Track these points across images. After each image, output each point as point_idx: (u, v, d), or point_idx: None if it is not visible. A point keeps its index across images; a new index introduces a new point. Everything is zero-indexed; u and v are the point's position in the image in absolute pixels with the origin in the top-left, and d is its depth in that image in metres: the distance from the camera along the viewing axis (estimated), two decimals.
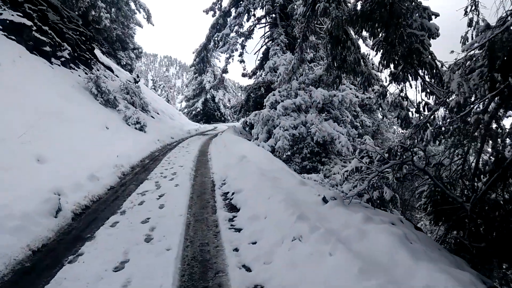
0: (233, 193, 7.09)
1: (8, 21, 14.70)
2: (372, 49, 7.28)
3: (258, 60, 27.62)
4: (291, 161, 14.49)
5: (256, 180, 6.87)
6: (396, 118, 7.12)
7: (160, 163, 12.39)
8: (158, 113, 27.32)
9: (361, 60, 9.40)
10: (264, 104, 16.15)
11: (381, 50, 7.02)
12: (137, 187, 8.71)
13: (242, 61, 25.59)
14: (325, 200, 5.20)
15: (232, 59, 24.73)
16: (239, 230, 5.13)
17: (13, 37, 14.66)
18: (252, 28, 25.51)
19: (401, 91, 7.08)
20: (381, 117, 25.73)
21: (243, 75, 27.58)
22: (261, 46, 26.88)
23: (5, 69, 12.20)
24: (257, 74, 28.88)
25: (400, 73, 6.79)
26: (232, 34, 24.47)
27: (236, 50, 24.40)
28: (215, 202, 6.97)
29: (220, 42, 24.88)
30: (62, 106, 13.52)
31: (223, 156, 12.29)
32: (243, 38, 25.11)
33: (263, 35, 26.61)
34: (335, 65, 9.85)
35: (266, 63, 23.52)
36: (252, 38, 25.78)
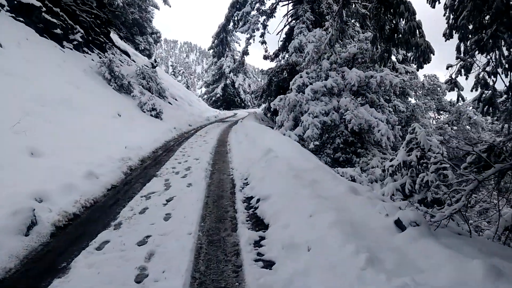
0: (258, 200, 5.50)
1: (16, 1, 13.45)
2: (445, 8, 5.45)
3: (281, 41, 25.64)
4: (321, 152, 12.77)
5: (288, 184, 5.25)
6: (476, 101, 5.33)
7: (174, 154, 10.94)
8: (176, 99, 25.95)
9: (417, 30, 7.57)
10: (290, 88, 14.39)
11: (460, 8, 5.19)
12: (143, 187, 7.27)
13: (263, 42, 23.72)
14: (400, 226, 3.51)
15: (253, 39, 22.91)
16: (270, 264, 3.53)
17: (21, 19, 13.45)
18: (274, 5, 23.50)
19: (488, 63, 5.24)
20: (414, 101, 23.55)
21: (265, 57, 25.71)
22: (284, 26, 24.87)
23: (6, 52, 10.94)
24: (280, 56, 26.95)
25: (490, 40, 4.96)
26: (253, 13, 22.58)
27: (258, 29, 22.53)
28: (235, 212, 5.40)
29: (240, 22, 23.05)
30: (71, 93, 12.24)
31: (244, 147, 10.70)
32: (264, 17, 23.18)
33: (286, 13, 24.57)
34: (384, 36, 8.05)
35: (289, 44, 21.61)
36: (274, 17, 23.81)
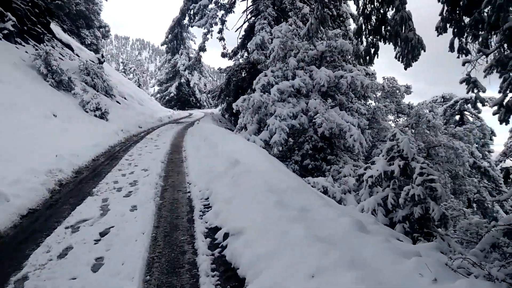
0: (226, 235, 4.05)
1: None
2: None
3: (240, 38, 24.23)
4: (288, 159, 11.55)
5: (270, 214, 3.85)
6: (497, 106, 4.31)
7: (118, 163, 9.16)
8: (125, 98, 23.66)
9: (408, 22, 6.60)
10: (253, 88, 13.05)
11: None
12: (71, 211, 5.54)
13: (222, 39, 22.18)
14: None
15: (211, 35, 21.27)
16: None
17: None
18: (233, 0, 22.04)
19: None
20: (374, 104, 23.25)
21: (223, 55, 24.15)
22: (244, 22, 23.53)
23: None
24: (239, 54, 25.54)
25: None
26: (211, 6, 20.96)
27: (216, 24, 20.94)
28: (195, 255, 3.90)
29: (197, 16, 21.33)
30: None
31: (203, 154, 9.14)
32: (223, 12, 21.65)
33: (246, 9, 23.23)
34: (370, 27, 6.98)
35: (249, 41, 20.33)
36: (233, 12, 22.35)
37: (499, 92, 4.22)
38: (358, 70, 16.06)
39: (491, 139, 26.50)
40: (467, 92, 4.47)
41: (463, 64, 4.49)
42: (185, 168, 8.45)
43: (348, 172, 10.43)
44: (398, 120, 27.17)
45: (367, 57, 6.72)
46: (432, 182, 7.15)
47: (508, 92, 4.04)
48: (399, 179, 7.89)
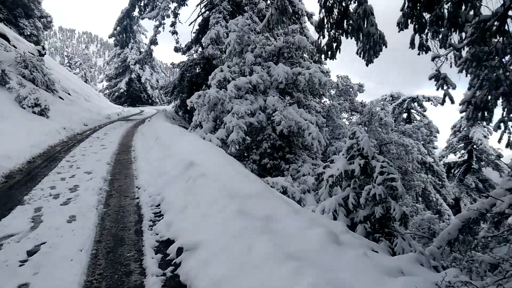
0: (180, 250, 3.51)
1: None
2: None
3: (194, 32, 23.35)
4: (246, 158, 11.11)
5: (231, 225, 3.36)
6: (465, 104, 4.13)
7: (57, 165, 8.21)
8: (69, 94, 21.91)
9: (371, 16, 6.44)
10: (208, 84, 12.46)
11: None
12: None
13: (174, 32, 21.22)
14: None
15: (163, 28, 20.25)
16: None
17: None
18: None
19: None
20: (329, 102, 23.51)
21: (176, 49, 23.14)
22: (198, 16, 22.68)
23: None
24: (192, 49, 24.64)
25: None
26: None
27: (168, 17, 19.93)
28: (143, 276, 3.32)
29: (148, 7, 20.22)
30: None
31: (155, 155, 8.42)
32: (176, 4, 20.69)
33: (200, 3, 22.40)
34: (332, 20, 6.71)
35: (203, 36, 19.65)
36: (186, 5, 21.46)
37: (469, 89, 4.08)
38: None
39: (435, 136, 27.87)
40: (437, 89, 4.28)
41: (432, 59, 4.30)
42: (134, 170, 7.70)
43: (307, 171, 10.20)
44: (351, 118, 27.81)
45: (329, 52, 6.42)
46: (393, 181, 7.05)
47: (483, 88, 3.89)
48: (359, 178, 7.74)
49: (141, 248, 3.89)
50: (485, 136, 23.56)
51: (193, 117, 12.60)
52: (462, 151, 24.69)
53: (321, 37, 6.59)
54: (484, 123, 23.47)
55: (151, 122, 16.96)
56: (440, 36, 5.08)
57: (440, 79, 4.19)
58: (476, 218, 7.91)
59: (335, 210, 7.55)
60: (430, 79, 4.31)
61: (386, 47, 6.14)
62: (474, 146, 23.61)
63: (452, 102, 4.30)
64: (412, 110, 28.85)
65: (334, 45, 6.44)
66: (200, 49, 23.25)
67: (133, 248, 3.92)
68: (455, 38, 5.11)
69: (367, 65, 6.44)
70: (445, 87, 4.21)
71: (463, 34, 4.99)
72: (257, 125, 10.65)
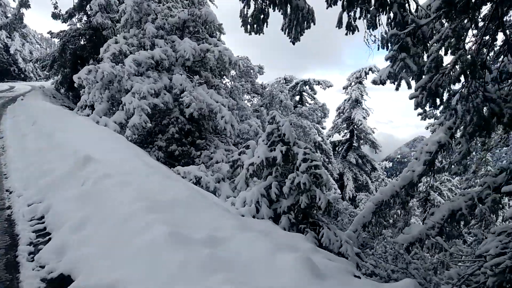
0: None
1: None
2: None
3: None
4: (150, 145, 9.76)
5: (161, 253, 2.36)
6: (420, 89, 3.76)
7: None
8: None
9: None
10: (99, 57, 10.54)
11: None
12: None
13: None
14: None
15: None
16: None
17: None
18: None
19: None
20: (230, 83, 22.93)
21: (55, 16, 19.50)
22: None
23: None
24: (75, 17, 21.13)
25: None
26: None
27: None
28: None
29: None
30: None
31: (32, 144, 6.56)
32: None
33: None
34: None
35: (89, 1, 16.95)
36: None
37: (425, 74, 3.74)
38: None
39: (322, 118, 29.65)
40: (396, 70, 3.84)
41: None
42: (3, 166, 5.83)
43: (220, 158, 9.37)
44: (252, 100, 27.77)
45: (255, 25, 5.62)
46: (317, 169, 6.69)
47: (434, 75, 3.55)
48: (281, 166, 7.25)
49: None
50: (364, 117, 25.99)
51: (80, 96, 10.57)
52: (345, 131, 26.79)
53: (246, 6, 5.74)
54: (363, 105, 26.07)
55: (25, 101, 13.96)
56: (369, 15, 4.77)
57: (399, 61, 3.75)
58: (387, 200, 8.24)
59: (258, 201, 6.95)
60: (386, 60, 3.86)
61: (314, 24, 5.61)
62: (355, 126, 25.81)
63: (409, 87, 3.92)
64: (304, 93, 30.08)
65: (261, 16, 5.67)
66: (85, 18, 20.07)
67: None
68: (383, 19, 4.85)
69: (293, 43, 5.85)
70: (403, 71, 3.79)
71: (391, 15, 4.72)
72: (163, 107, 9.35)
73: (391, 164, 33.53)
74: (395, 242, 7.40)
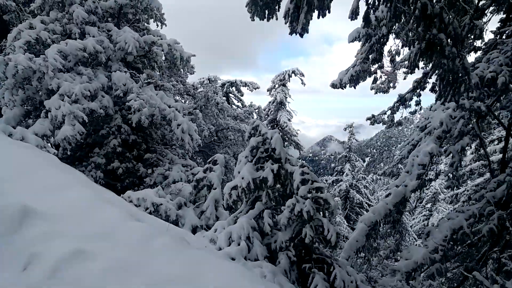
0: None
1: None
2: None
3: None
4: (83, 162, 7.51)
5: None
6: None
7: None
8: None
9: None
10: (5, 45, 7.94)
11: None
12: None
13: None
14: None
15: None
16: None
17: None
18: None
19: None
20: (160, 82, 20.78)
21: None
22: None
23: None
24: None
25: None
26: None
27: None
28: None
29: None
30: None
31: None
32: None
33: None
34: None
35: None
36: None
37: None
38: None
39: (261, 120, 29.08)
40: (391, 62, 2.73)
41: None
42: None
43: (178, 176, 7.56)
44: (183, 101, 25.70)
45: (266, 10, 4.14)
46: (320, 192, 5.42)
47: None
48: (273, 188, 5.83)
49: None
50: (289, 119, 26.18)
51: None
52: None
53: None
54: (287, 107, 26.14)
55: None
56: None
57: None
58: (381, 220, 7.33)
59: (248, 236, 5.41)
60: None
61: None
62: (280, 128, 25.77)
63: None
64: (230, 94, 29.08)
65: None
66: None
67: None
68: None
69: (301, 35, 4.62)
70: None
71: None
72: (101, 113, 7.20)
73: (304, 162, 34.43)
74: (396, 270, 6.49)
